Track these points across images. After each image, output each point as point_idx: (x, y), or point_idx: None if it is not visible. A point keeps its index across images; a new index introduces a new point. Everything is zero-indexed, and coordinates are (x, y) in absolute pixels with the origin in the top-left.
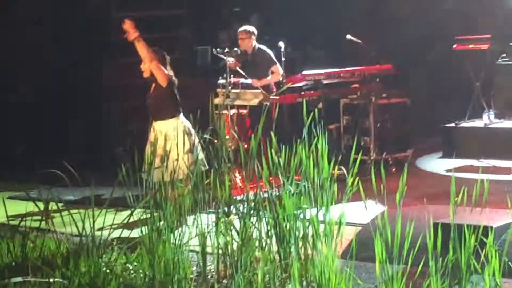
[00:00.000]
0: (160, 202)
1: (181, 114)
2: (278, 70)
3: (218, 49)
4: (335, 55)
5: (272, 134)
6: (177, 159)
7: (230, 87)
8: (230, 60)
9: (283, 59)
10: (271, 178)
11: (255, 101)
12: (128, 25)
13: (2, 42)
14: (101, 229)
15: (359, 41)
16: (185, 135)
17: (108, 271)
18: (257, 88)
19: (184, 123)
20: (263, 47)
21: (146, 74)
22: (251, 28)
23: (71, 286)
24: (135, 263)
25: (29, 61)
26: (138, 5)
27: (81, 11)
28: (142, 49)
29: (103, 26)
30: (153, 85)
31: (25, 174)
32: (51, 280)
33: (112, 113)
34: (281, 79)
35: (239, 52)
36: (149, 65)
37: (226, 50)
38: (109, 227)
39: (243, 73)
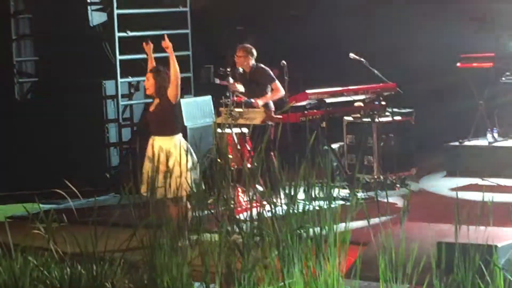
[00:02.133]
0: (162, 221)
1: (180, 133)
2: (278, 87)
3: (221, 69)
4: (338, 74)
5: (276, 153)
6: (180, 176)
7: (233, 106)
8: (231, 81)
9: (286, 78)
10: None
11: (258, 120)
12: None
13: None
14: (104, 248)
15: (362, 59)
16: (186, 153)
17: None
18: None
19: (183, 141)
20: (262, 65)
21: (149, 91)
22: (248, 47)
23: None
24: (138, 282)
25: (28, 76)
26: (142, 24)
27: (83, 30)
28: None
29: (107, 45)
30: (157, 100)
31: (27, 193)
32: None
33: (112, 131)
34: (281, 96)
35: (241, 71)
36: (173, 79)
37: (229, 69)
38: (112, 247)
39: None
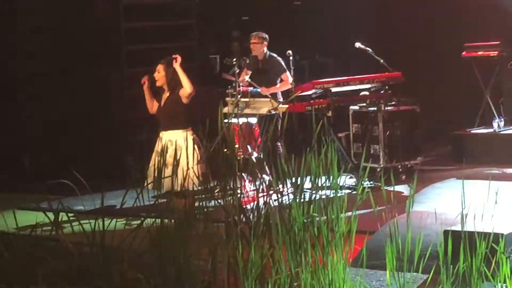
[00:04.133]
0: (170, 211)
1: (190, 127)
2: (288, 78)
3: (227, 58)
4: (344, 63)
5: (282, 142)
6: (188, 169)
7: (239, 96)
8: (237, 70)
9: (292, 67)
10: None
11: (264, 110)
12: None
13: (8, 52)
14: (111, 239)
15: (368, 48)
16: (195, 146)
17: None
18: (266, 96)
19: (194, 135)
20: (274, 54)
21: (159, 83)
22: (264, 34)
23: None
24: (146, 272)
25: (35, 71)
26: (146, 15)
27: (90, 20)
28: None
29: (112, 36)
30: (167, 94)
31: (35, 185)
32: None
33: (121, 122)
34: (290, 87)
35: (247, 61)
36: (188, 93)
37: (235, 59)
38: (119, 236)
39: (253, 83)
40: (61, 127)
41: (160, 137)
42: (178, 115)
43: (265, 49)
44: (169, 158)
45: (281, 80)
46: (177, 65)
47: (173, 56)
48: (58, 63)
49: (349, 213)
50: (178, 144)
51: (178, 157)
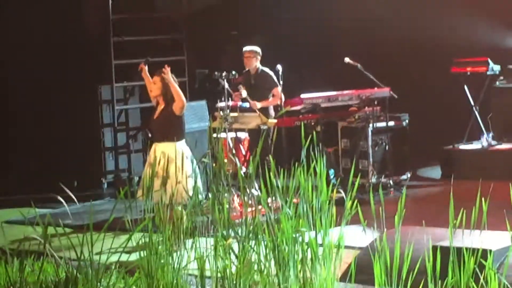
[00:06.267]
0: (158, 225)
1: (184, 140)
2: (279, 93)
3: (216, 73)
4: (333, 78)
5: (271, 157)
6: (179, 182)
7: (228, 111)
8: (243, 94)
9: (281, 82)
10: (269, 202)
11: (253, 125)
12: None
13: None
14: (100, 253)
15: (357, 64)
16: (187, 159)
17: None
18: (255, 111)
19: (186, 148)
20: (266, 69)
21: (154, 94)
22: (256, 48)
23: None
24: (134, 287)
25: (25, 81)
26: (137, 30)
27: (81, 34)
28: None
29: (103, 50)
30: (161, 107)
31: (23, 197)
32: None
33: (108, 136)
34: (280, 102)
35: (236, 76)
36: (180, 107)
37: (224, 73)
38: (108, 251)
39: (248, 99)
40: (48, 139)
41: (153, 149)
42: (171, 127)
43: (258, 63)
44: (160, 170)
45: (273, 95)
46: (167, 77)
47: (164, 67)
48: (46, 76)
49: (338, 228)
50: (170, 156)
51: (170, 170)
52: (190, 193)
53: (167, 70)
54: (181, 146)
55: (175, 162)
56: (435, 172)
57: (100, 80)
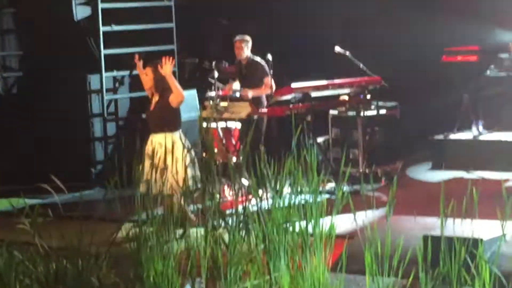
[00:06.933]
0: (148, 215)
1: (180, 130)
2: (270, 83)
3: (206, 62)
4: (323, 68)
5: (262, 146)
6: (177, 172)
7: (218, 100)
8: (216, 75)
9: (271, 71)
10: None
11: (243, 114)
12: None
13: None
14: (90, 243)
15: (348, 53)
16: (184, 149)
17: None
18: (246, 100)
19: (183, 138)
20: (258, 58)
21: (147, 86)
22: (247, 37)
23: None
24: (124, 277)
25: (12, 71)
26: (125, 19)
27: (68, 24)
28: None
29: (90, 39)
30: (156, 98)
31: (12, 188)
32: None
33: (98, 125)
34: (270, 92)
35: (227, 65)
36: (178, 101)
37: (214, 62)
38: (98, 241)
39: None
40: (37, 129)
41: (150, 140)
42: (167, 118)
43: (249, 52)
44: (158, 161)
45: (264, 85)
46: (166, 71)
47: (164, 58)
48: (34, 65)
49: (329, 218)
50: (167, 147)
51: (168, 161)
52: (190, 182)
53: (168, 61)
54: (178, 136)
55: (172, 153)
56: (426, 161)
57: (89, 70)
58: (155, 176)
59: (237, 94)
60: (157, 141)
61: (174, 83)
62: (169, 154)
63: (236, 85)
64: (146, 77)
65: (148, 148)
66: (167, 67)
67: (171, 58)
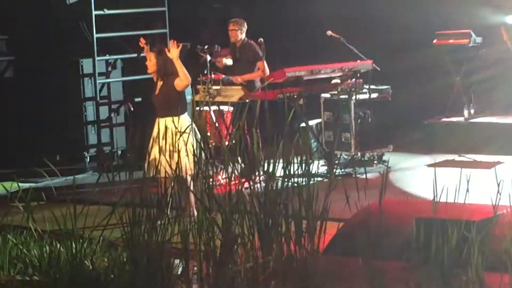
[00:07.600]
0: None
1: (186, 112)
2: (263, 66)
3: (198, 46)
4: (316, 51)
5: (254, 130)
6: (186, 155)
7: (210, 84)
8: (209, 58)
9: (264, 55)
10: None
11: (235, 98)
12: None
13: None
14: (83, 227)
15: (340, 36)
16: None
17: (90, 268)
18: (237, 84)
19: (190, 121)
20: (251, 41)
21: (150, 70)
22: (241, 20)
23: (53, 285)
24: (117, 260)
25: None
26: (117, 3)
27: (60, 8)
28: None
29: (84, 23)
30: (160, 83)
31: (5, 172)
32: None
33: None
34: (262, 75)
35: (219, 49)
36: (185, 84)
37: (207, 47)
38: (91, 225)
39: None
40: (30, 114)
41: (156, 123)
42: (172, 102)
43: (243, 36)
44: (166, 145)
45: (258, 68)
46: (173, 54)
47: (171, 42)
48: (27, 49)
49: (321, 201)
50: (173, 131)
51: (175, 144)
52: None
53: (174, 45)
54: (184, 119)
55: (179, 136)
56: (418, 144)
57: (82, 54)
58: (164, 159)
59: (230, 77)
60: (164, 125)
61: (181, 67)
62: (176, 137)
63: (229, 61)
64: (150, 62)
65: (154, 131)
66: (174, 51)
67: (176, 42)
